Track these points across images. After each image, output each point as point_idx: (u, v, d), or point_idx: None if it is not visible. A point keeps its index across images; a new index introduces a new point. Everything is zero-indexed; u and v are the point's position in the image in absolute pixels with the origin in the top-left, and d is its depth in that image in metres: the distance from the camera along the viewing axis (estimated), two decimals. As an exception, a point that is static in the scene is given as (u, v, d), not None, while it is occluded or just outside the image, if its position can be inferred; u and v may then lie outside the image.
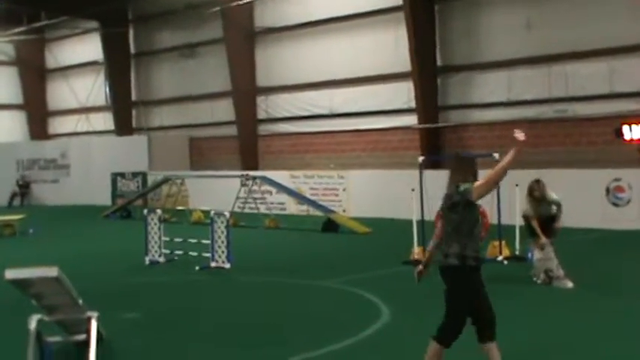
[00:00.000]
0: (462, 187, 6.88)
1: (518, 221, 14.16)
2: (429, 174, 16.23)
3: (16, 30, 37.70)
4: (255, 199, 24.24)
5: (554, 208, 12.82)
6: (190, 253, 15.49)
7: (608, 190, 20.22)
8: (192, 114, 35.72)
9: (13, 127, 43.48)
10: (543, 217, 12.83)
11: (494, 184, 6.91)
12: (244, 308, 11.18)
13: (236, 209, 23.19)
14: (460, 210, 6.88)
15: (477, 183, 6.88)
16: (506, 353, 8.14)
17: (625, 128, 20.21)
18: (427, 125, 26.23)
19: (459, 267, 6.83)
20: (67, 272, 7.77)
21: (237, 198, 23.83)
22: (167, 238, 15.81)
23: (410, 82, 26.40)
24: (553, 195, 12.87)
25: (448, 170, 7.21)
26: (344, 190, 26.20)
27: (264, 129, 32.84)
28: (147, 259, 15.59)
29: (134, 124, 39.07)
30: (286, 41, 31.23)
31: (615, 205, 20.10)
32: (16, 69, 43.72)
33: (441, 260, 6.97)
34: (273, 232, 22.13)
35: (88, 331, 7.44)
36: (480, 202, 15.06)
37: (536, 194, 12.67)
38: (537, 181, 12.78)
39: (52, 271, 6.86)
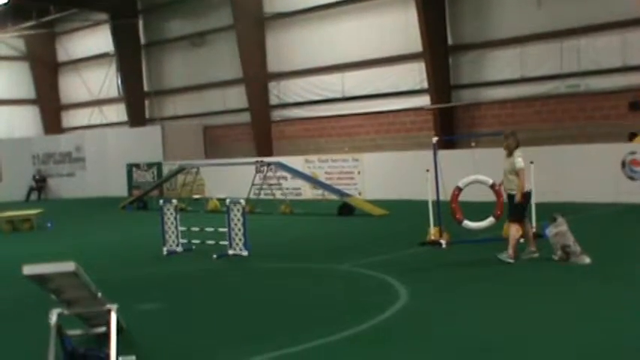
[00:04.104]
0: None
1: (534, 199, 14.10)
2: (443, 154, 16.19)
3: (26, 24, 37.87)
4: (270, 185, 24.25)
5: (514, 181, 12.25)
6: (207, 242, 15.51)
7: (624, 164, 20.06)
8: (204, 102, 35.77)
9: (27, 122, 43.77)
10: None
11: None
12: (263, 295, 11.20)
13: (252, 196, 23.23)
14: None
15: None
16: (526, 331, 8.16)
17: (640, 100, 20.12)
18: (440, 105, 26.17)
19: None
20: (86, 264, 7.82)
21: (253, 185, 23.86)
22: (184, 228, 15.84)
23: (421, 63, 26.35)
24: (519, 159, 12.17)
25: None
26: (359, 173, 26.17)
27: (277, 115, 32.83)
28: (164, 250, 15.63)
29: (147, 114, 39.18)
30: (296, 26, 31.17)
31: (631, 178, 19.93)
32: (27, 64, 43.92)
33: None
34: (289, 218, 22.15)
35: (108, 324, 7.47)
36: (492, 180, 15.01)
37: (504, 144, 12.44)
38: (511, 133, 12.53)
39: (69, 266, 6.86)
